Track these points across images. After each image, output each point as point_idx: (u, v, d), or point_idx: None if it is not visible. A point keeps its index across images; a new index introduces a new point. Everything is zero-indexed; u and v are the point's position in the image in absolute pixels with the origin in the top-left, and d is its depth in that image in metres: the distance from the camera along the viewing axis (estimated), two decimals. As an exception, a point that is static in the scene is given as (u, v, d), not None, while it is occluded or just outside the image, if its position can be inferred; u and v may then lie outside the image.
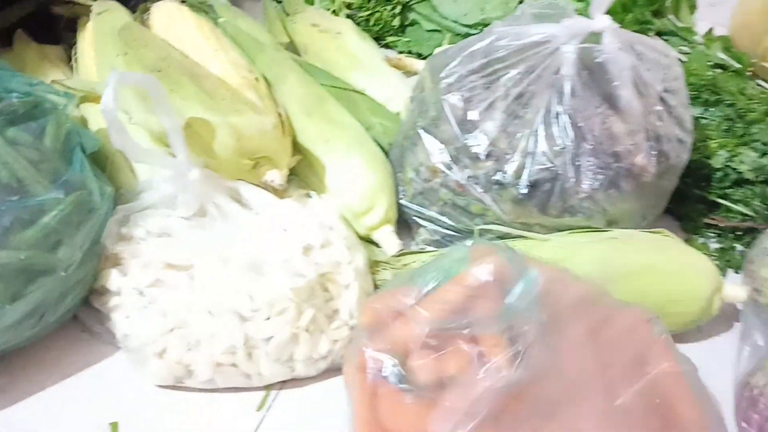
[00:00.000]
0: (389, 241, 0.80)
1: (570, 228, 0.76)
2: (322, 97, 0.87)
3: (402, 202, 0.83)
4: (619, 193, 0.74)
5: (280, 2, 1.13)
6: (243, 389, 0.70)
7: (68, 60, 0.97)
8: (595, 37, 0.73)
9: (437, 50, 0.88)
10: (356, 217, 0.80)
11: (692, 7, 1.13)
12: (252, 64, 0.86)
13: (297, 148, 0.82)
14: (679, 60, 0.88)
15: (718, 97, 0.92)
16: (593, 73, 0.73)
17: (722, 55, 1.05)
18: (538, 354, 0.56)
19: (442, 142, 0.77)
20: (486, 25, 0.96)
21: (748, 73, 1.03)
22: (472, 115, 0.74)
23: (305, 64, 0.95)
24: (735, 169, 0.86)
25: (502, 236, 0.77)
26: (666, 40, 1.09)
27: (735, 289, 0.74)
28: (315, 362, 0.69)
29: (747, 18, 1.10)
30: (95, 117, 0.83)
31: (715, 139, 0.88)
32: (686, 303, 0.72)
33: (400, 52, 1.15)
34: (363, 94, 0.93)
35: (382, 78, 0.97)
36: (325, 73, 0.94)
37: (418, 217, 0.82)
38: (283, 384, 0.71)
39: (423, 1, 1.15)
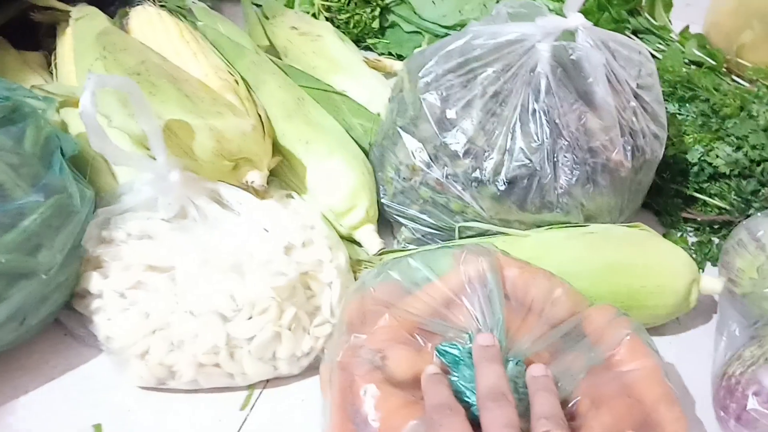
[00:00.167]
0: (371, 240, 0.80)
1: (549, 223, 0.77)
2: (302, 100, 0.87)
3: (383, 201, 0.84)
4: (596, 188, 0.75)
5: (260, 6, 1.14)
6: (226, 389, 0.70)
7: (48, 66, 0.96)
8: (569, 35, 0.74)
9: (415, 51, 0.88)
10: (338, 217, 0.81)
11: (668, 6, 1.15)
12: (232, 68, 0.87)
13: (278, 150, 0.83)
14: (653, 57, 0.90)
15: (693, 93, 0.94)
16: (568, 71, 0.74)
17: (697, 53, 1.07)
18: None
19: (421, 141, 0.77)
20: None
21: (722, 70, 1.05)
22: (450, 113, 0.75)
23: (285, 66, 0.95)
24: (710, 163, 0.88)
25: (482, 233, 0.78)
26: (642, 39, 1.11)
27: (711, 281, 0.75)
28: (298, 360, 0.70)
29: (720, 16, 1.12)
30: (75, 121, 0.83)
31: (690, 134, 0.90)
32: (664, 296, 0.73)
33: (380, 54, 1.16)
34: (343, 95, 0.93)
35: (362, 79, 0.97)
36: (305, 76, 0.95)
37: (399, 215, 0.83)
38: (266, 383, 0.71)
39: (402, 3, 1.16)
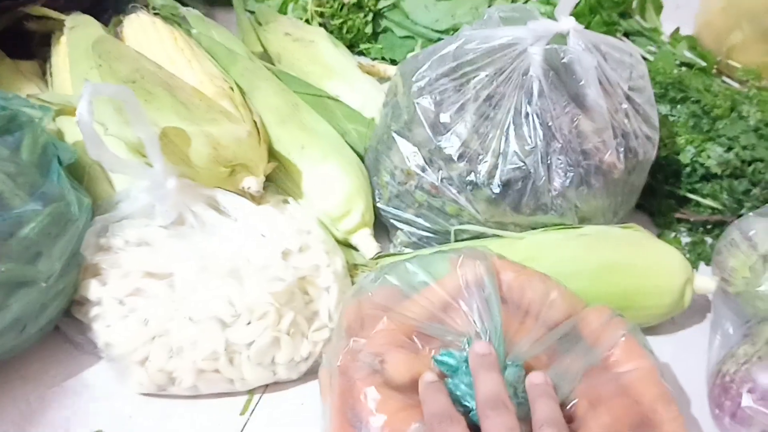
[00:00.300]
0: (367, 244, 0.81)
1: (543, 226, 0.77)
2: (296, 105, 0.88)
3: (378, 205, 0.84)
4: (589, 190, 0.75)
5: (253, 12, 1.14)
6: (226, 394, 0.70)
7: (43, 75, 0.96)
8: (561, 38, 0.75)
9: (409, 55, 0.89)
10: (334, 221, 0.81)
11: (658, 8, 1.16)
12: (226, 74, 0.87)
13: (273, 155, 0.83)
14: (645, 59, 0.90)
15: (684, 94, 0.95)
16: (560, 74, 0.75)
17: (688, 54, 1.08)
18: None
19: (415, 145, 0.78)
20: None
21: (713, 71, 1.06)
22: (444, 117, 0.75)
23: (279, 72, 0.96)
24: (702, 164, 0.88)
25: (478, 235, 0.78)
26: (633, 41, 1.12)
27: (705, 280, 0.75)
28: (296, 365, 0.70)
29: (710, 18, 1.13)
30: (72, 130, 0.83)
31: (682, 135, 0.90)
32: (658, 296, 0.74)
33: (374, 59, 1.16)
34: (337, 100, 0.93)
35: (355, 84, 0.98)
36: (299, 81, 0.95)
37: (395, 219, 0.83)
38: (265, 388, 0.71)
39: (395, 8, 1.17)
